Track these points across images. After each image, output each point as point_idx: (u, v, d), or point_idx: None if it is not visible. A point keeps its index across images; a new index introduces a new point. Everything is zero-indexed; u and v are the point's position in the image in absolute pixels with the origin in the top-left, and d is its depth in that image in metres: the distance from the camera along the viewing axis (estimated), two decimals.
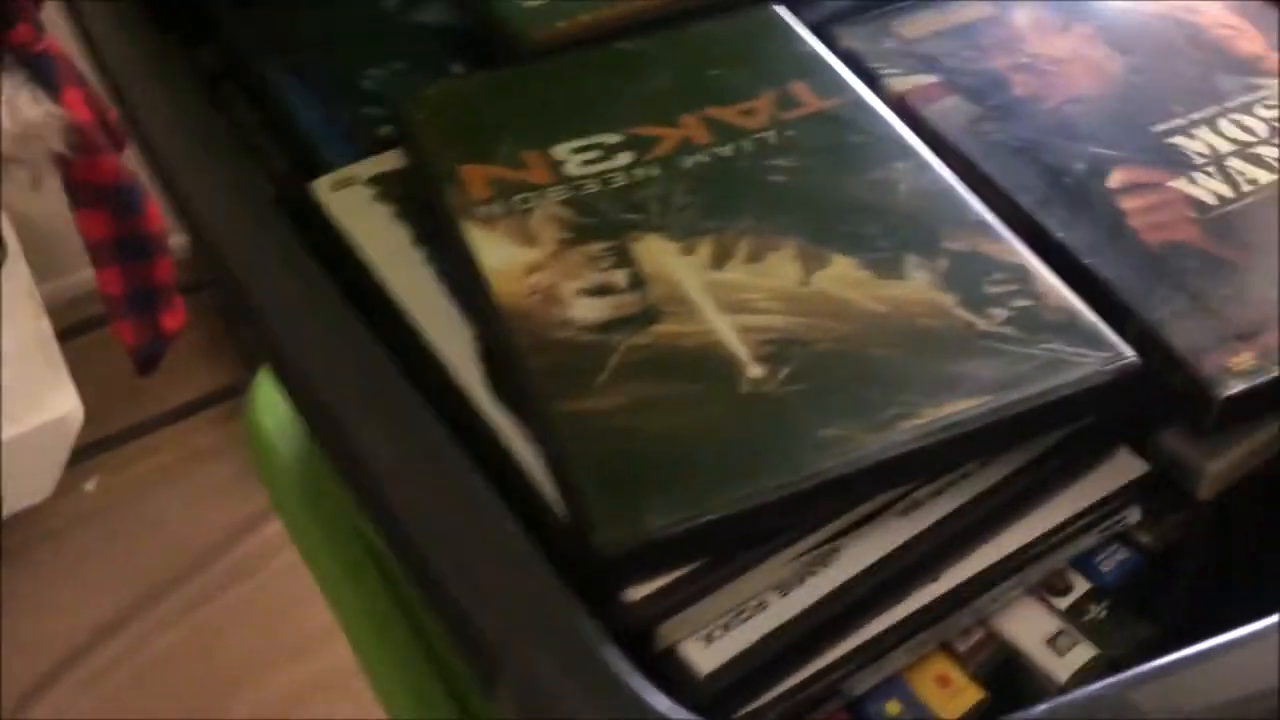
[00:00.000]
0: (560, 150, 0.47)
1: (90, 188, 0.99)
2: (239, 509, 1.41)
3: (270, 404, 0.74)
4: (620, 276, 0.42)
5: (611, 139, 0.47)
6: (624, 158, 0.46)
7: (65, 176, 1.25)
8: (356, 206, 0.48)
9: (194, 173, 0.50)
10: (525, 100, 0.49)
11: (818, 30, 0.53)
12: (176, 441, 1.52)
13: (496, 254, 0.43)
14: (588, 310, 0.41)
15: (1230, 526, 0.44)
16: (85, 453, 1.42)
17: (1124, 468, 0.41)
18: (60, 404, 1.32)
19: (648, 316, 0.40)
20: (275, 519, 0.76)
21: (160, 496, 1.48)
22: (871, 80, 0.50)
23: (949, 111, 0.48)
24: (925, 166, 0.45)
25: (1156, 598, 0.43)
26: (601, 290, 0.41)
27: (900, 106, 0.49)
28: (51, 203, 1.44)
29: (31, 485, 1.34)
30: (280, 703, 1.26)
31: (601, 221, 0.44)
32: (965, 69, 0.50)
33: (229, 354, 1.55)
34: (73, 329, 1.46)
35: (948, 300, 0.40)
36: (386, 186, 0.49)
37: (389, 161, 0.50)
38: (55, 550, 1.42)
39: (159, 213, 0.98)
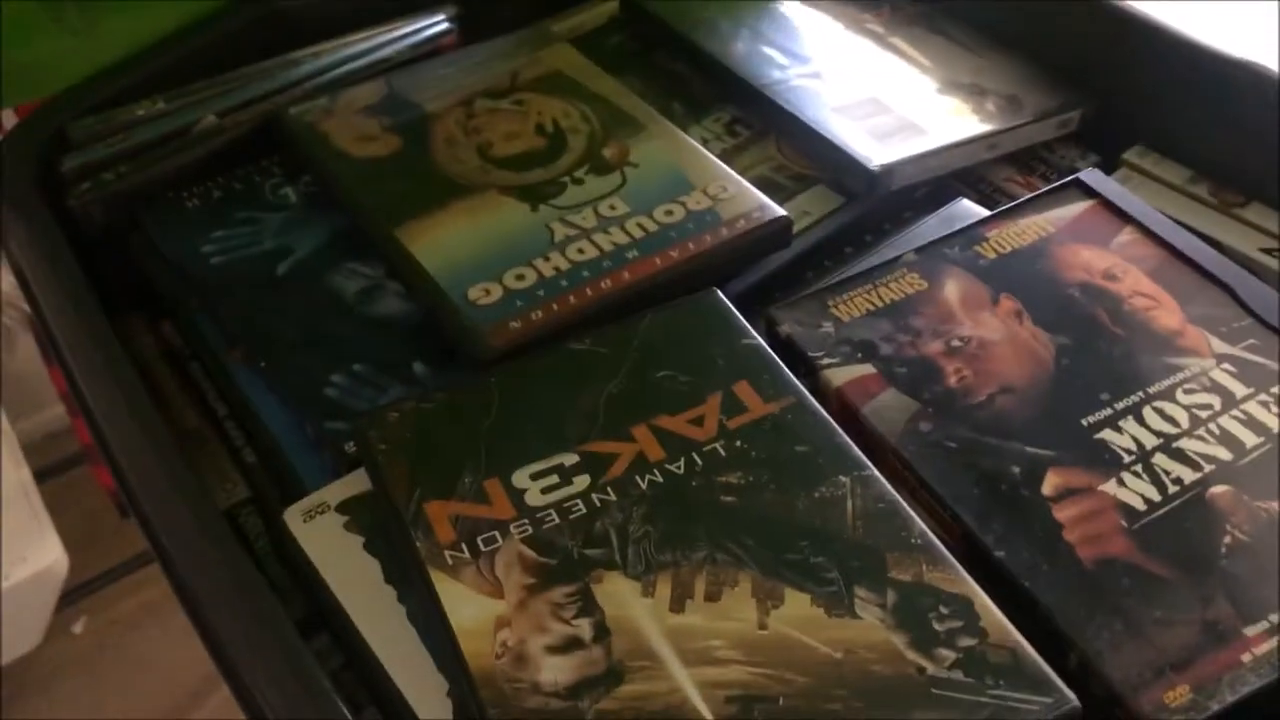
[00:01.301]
0: (520, 477, 0.49)
1: None
2: None
3: None
4: (585, 627, 0.44)
5: (569, 459, 0.49)
6: (581, 481, 0.48)
7: (37, 335, 1.26)
8: (328, 538, 0.50)
9: (143, 479, 0.52)
10: (483, 421, 0.51)
11: (752, 300, 0.55)
12: (163, 576, 1.53)
13: (466, 610, 0.45)
14: (556, 671, 0.43)
15: None
16: (71, 595, 1.42)
17: None
18: (45, 554, 1.33)
19: (614, 676, 0.42)
20: None
21: (149, 634, 1.48)
22: (811, 370, 0.52)
23: (887, 408, 0.50)
24: (869, 481, 0.47)
25: None
26: (568, 645, 0.43)
27: (840, 401, 0.51)
28: (22, 345, 1.45)
29: (19, 637, 1.35)
30: None
31: (564, 560, 0.46)
32: (899, 356, 0.52)
33: None
34: (52, 468, 1.47)
35: (898, 642, 0.42)
36: (356, 515, 0.51)
37: (358, 484, 0.52)
38: (47, 699, 1.42)
39: None
